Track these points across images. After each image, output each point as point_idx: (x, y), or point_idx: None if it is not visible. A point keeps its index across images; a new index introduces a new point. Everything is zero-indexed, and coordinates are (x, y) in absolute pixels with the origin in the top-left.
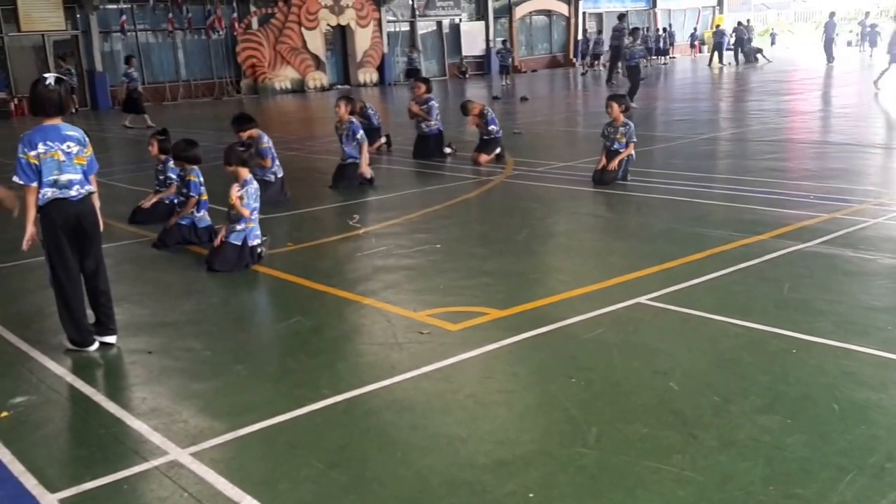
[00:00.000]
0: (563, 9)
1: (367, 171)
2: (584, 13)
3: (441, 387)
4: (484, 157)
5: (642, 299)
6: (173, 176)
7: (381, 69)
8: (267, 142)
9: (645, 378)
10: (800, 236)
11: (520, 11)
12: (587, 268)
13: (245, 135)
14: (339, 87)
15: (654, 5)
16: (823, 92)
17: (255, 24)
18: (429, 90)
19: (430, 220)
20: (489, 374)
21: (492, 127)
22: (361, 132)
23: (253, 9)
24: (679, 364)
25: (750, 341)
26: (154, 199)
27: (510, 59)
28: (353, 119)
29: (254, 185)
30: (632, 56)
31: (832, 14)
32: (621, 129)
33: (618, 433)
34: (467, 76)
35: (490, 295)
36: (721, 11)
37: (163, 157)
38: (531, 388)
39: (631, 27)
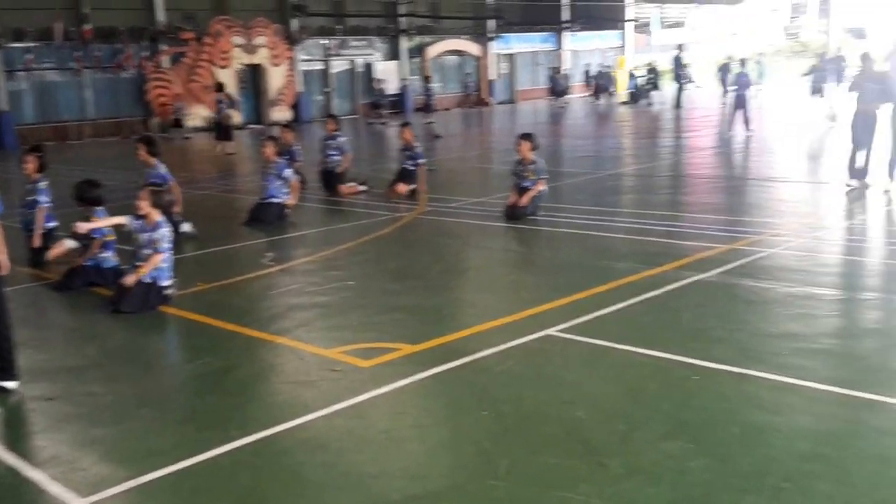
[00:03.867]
0: (475, 49)
1: (291, 204)
2: (496, 54)
3: (353, 424)
4: (402, 188)
5: (551, 331)
6: (42, 199)
7: (296, 107)
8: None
9: (554, 409)
10: (700, 267)
11: (432, 51)
12: (498, 301)
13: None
14: (252, 126)
15: (561, 46)
16: (720, 129)
17: (165, 63)
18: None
19: (344, 256)
20: (401, 410)
21: (419, 160)
22: (289, 171)
23: (163, 47)
24: (586, 394)
25: (654, 369)
26: (63, 249)
27: (432, 98)
28: (280, 159)
29: (167, 228)
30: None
31: (729, 57)
32: (530, 166)
33: (528, 464)
34: (383, 117)
35: (402, 330)
36: (625, 53)
37: (37, 175)
38: (443, 422)
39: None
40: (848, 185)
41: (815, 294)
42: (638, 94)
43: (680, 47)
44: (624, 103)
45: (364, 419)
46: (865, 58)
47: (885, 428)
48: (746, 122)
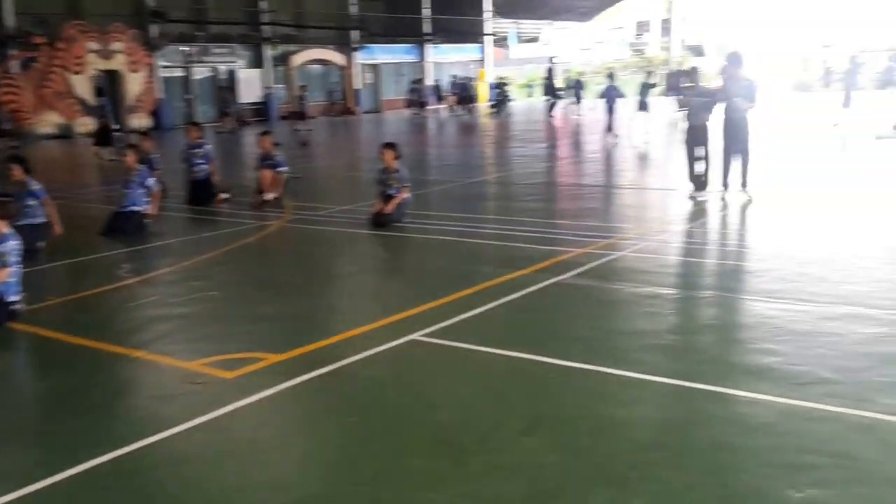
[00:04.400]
0: (339, 59)
1: (152, 213)
2: (361, 64)
3: (215, 437)
4: (266, 195)
5: (416, 336)
6: None
7: (156, 114)
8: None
9: (418, 412)
10: (557, 270)
11: (297, 60)
12: (364, 308)
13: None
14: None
15: (424, 58)
16: (577, 139)
17: (15, 68)
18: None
19: (207, 266)
20: (266, 421)
21: (280, 168)
22: (152, 180)
23: (13, 52)
24: (449, 396)
25: (514, 370)
26: None
27: (306, 106)
28: (141, 167)
29: (14, 241)
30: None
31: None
32: (394, 174)
33: (394, 468)
34: (229, 125)
35: (267, 340)
36: (485, 66)
37: None
38: (308, 430)
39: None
40: (692, 198)
41: (659, 293)
42: (500, 105)
43: (551, 60)
44: (491, 113)
45: (227, 432)
46: (694, 73)
47: (721, 416)
48: (611, 129)
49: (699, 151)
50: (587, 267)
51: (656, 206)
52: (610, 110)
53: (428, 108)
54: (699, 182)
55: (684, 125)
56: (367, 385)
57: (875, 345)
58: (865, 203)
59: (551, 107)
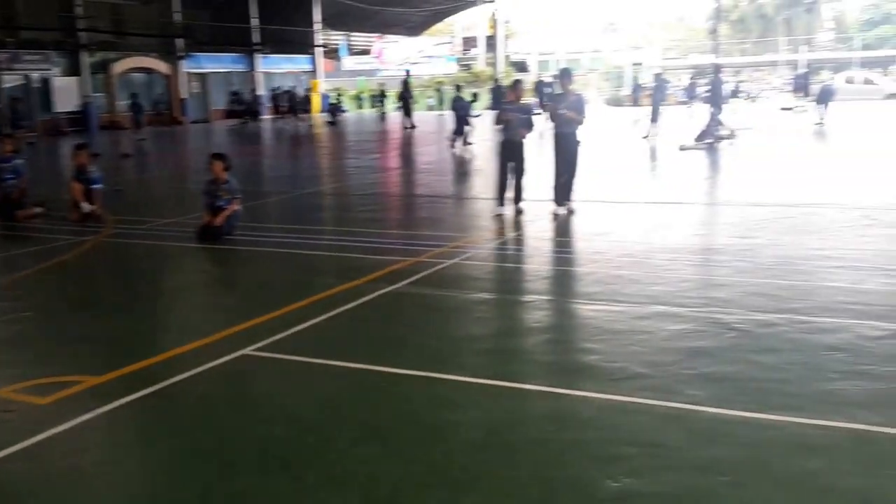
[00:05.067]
0: (164, 67)
1: None
2: (187, 73)
3: (30, 467)
4: (84, 208)
5: (248, 351)
6: None
7: None
8: None
9: (251, 429)
10: (391, 279)
11: (118, 68)
12: (192, 324)
13: None
14: None
15: (254, 68)
16: (410, 151)
17: None
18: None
19: (19, 286)
20: (85, 446)
21: (95, 184)
22: None
23: None
24: (283, 411)
25: (348, 380)
26: None
27: (143, 115)
28: None
29: None
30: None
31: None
32: (224, 186)
33: (224, 487)
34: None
35: (86, 361)
36: (316, 77)
37: None
38: (132, 454)
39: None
40: (509, 212)
41: (488, 299)
42: (334, 116)
43: (408, 73)
44: (326, 124)
45: (43, 460)
46: (514, 88)
47: (545, 414)
48: (456, 139)
49: (512, 166)
50: (420, 275)
51: (487, 215)
52: (458, 121)
53: (260, 118)
54: (515, 195)
55: (500, 139)
56: (195, 404)
57: (681, 340)
58: (672, 210)
59: (407, 115)
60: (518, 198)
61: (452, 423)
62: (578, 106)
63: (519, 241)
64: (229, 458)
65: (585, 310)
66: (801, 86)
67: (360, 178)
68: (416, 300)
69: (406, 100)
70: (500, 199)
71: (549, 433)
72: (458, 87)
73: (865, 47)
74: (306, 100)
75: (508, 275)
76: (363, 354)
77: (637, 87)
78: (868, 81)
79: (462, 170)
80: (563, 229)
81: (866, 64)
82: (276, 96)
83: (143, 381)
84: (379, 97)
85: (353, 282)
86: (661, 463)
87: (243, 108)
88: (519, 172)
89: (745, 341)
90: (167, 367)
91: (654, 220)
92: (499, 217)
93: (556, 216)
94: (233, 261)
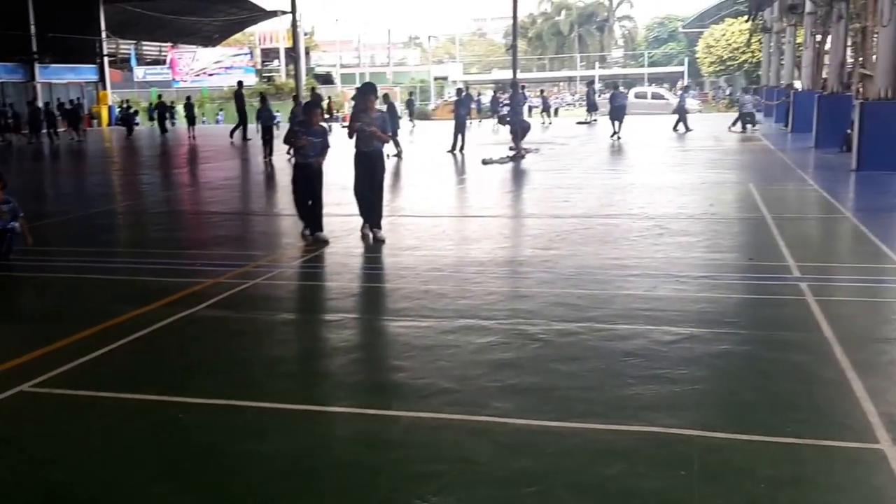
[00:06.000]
0: None
1: None
2: None
3: None
4: None
5: (24, 387)
6: None
7: None
8: None
9: (24, 473)
10: (189, 302)
11: None
12: None
13: None
14: None
15: (34, 78)
16: (211, 165)
17: None
18: None
19: None
20: None
21: None
22: None
23: None
24: (65, 451)
25: (141, 413)
26: None
27: None
28: None
29: None
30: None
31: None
32: (4, 206)
33: None
34: None
35: None
36: (105, 87)
37: None
38: None
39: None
40: (304, 235)
41: (293, 320)
42: (129, 127)
43: (240, 84)
44: (126, 136)
45: None
46: (311, 112)
47: (352, 436)
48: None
49: (309, 191)
50: (220, 297)
51: (290, 232)
52: (267, 132)
53: (42, 131)
54: (310, 221)
55: (294, 163)
56: None
57: (487, 353)
58: (478, 224)
59: (240, 130)
60: (318, 226)
61: (255, 453)
62: (382, 122)
63: (324, 258)
64: None
65: (393, 326)
66: (591, 102)
67: (156, 195)
68: (215, 324)
69: (243, 113)
70: (304, 222)
71: (357, 456)
72: (264, 99)
73: (653, 64)
74: (88, 113)
75: (313, 294)
76: (157, 385)
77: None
78: (657, 96)
79: (267, 185)
80: (370, 245)
81: (654, 80)
82: (56, 109)
83: None
84: (167, 108)
85: (146, 307)
86: (470, 478)
87: (12, 122)
88: (316, 200)
89: (548, 351)
90: None
91: (461, 234)
92: (304, 237)
93: (366, 236)
94: (8, 288)
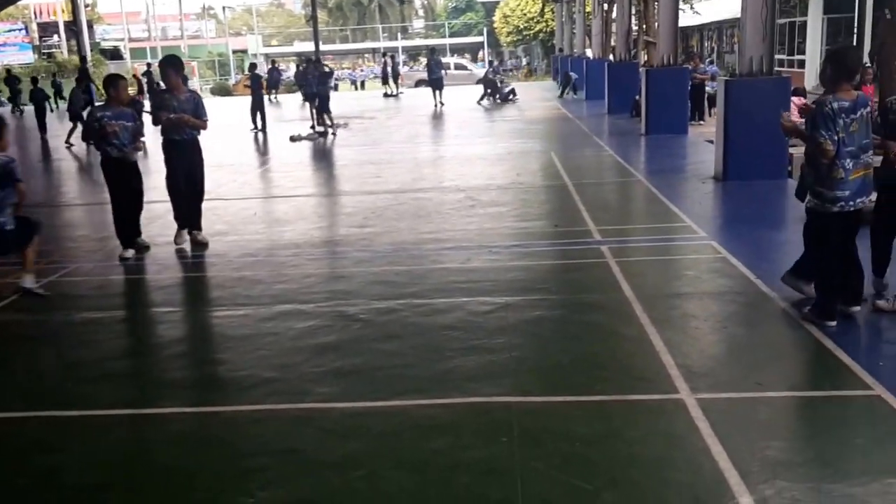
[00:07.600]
0: None
1: None
2: None
3: None
4: None
5: None
6: None
7: None
8: None
9: None
10: None
11: None
12: None
13: None
14: None
15: None
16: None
17: None
18: None
19: None
20: None
21: None
22: None
23: None
24: None
25: None
26: None
27: None
28: None
29: None
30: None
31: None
32: None
33: None
34: None
35: None
36: None
37: None
38: None
39: None
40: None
41: (95, 318)
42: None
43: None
44: None
45: None
46: (116, 86)
47: (170, 438)
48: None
49: (128, 197)
50: (9, 300)
51: (91, 224)
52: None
53: None
54: (131, 231)
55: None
56: None
57: (308, 338)
58: (290, 204)
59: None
60: (136, 232)
61: (58, 468)
62: (194, 106)
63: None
64: None
65: (207, 318)
66: (387, 73)
67: None
68: (4, 329)
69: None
70: (120, 237)
71: (176, 458)
72: (80, 78)
73: (454, 34)
74: None
75: (119, 289)
76: None
77: (256, 77)
78: (460, 67)
79: (67, 172)
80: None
81: (455, 50)
82: None
83: None
84: None
85: None
86: (297, 469)
87: None
88: (136, 201)
89: (368, 331)
90: None
91: (273, 216)
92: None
93: (183, 242)
94: None
